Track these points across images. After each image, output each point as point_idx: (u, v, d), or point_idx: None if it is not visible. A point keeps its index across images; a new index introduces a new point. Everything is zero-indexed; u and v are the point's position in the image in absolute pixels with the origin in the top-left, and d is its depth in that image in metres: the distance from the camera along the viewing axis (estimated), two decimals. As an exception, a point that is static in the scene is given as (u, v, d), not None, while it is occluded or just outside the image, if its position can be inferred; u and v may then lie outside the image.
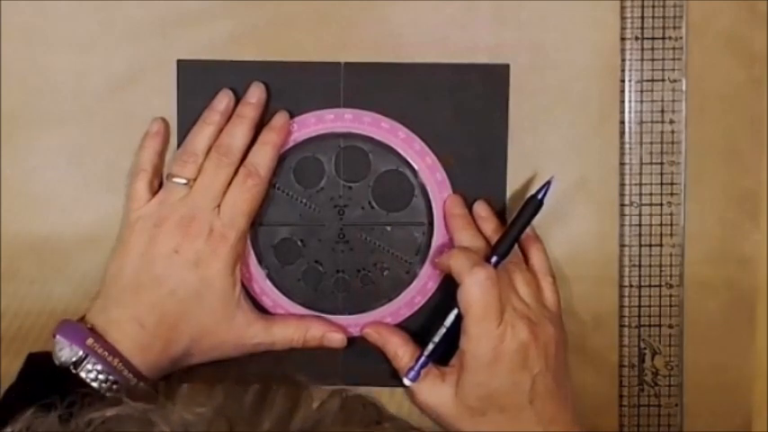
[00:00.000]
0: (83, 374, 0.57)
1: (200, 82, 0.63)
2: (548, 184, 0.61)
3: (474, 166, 0.64)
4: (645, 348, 0.65)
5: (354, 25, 0.64)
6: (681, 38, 0.64)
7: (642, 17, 0.64)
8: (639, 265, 0.64)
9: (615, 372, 0.65)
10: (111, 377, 0.57)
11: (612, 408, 0.65)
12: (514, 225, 0.61)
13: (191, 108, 0.63)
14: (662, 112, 0.64)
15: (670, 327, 0.65)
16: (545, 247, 0.63)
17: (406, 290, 0.64)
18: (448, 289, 0.62)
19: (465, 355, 0.59)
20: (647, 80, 0.64)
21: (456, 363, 0.60)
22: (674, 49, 0.64)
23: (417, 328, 0.64)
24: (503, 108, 0.64)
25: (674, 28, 0.64)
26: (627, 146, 0.64)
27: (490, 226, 0.63)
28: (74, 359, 0.57)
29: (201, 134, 0.62)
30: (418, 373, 0.61)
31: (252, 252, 0.64)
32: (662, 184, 0.64)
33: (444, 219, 0.64)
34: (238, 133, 0.61)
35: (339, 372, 0.64)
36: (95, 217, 0.64)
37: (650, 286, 0.65)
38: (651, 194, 0.64)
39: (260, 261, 0.64)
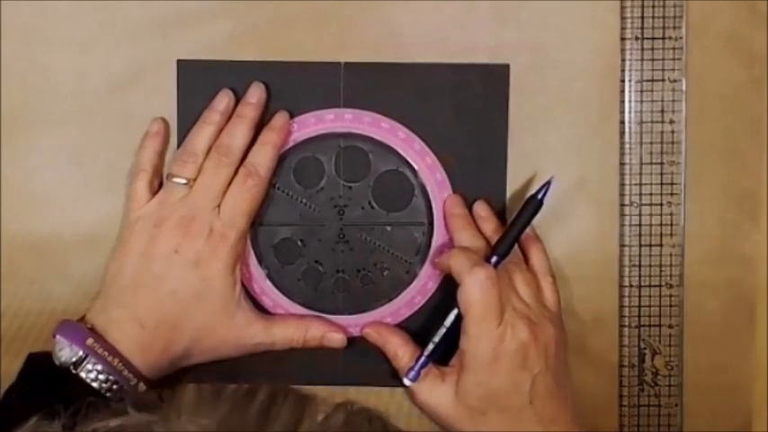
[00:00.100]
0: (83, 374, 0.57)
1: (200, 82, 0.63)
2: (548, 184, 0.61)
3: (474, 166, 0.64)
4: (645, 348, 0.65)
5: (354, 25, 0.64)
6: (681, 38, 0.64)
7: (642, 17, 0.64)
8: (639, 265, 0.64)
9: (615, 372, 0.65)
10: (111, 377, 0.57)
11: (612, 408, 0.65)
12: (514, 225, 0.61)
13: (191, 108, 0.63)
14: (662, 112, 0.64)
15: (670, 327, 0.65)
16: (545, 247, 0.63)
17: (406, 290, 0.64)
18: (448, 289, 0.62)
19: (465, 355, 0.59)
20: (647, 80, 0.64)
21: (456, 363, 0.60)
22: (674, 49, 0.64)
23: (417, 328, 0.64)
24: (503, 108, 0.64)
25: (674, 28, 0.64)
26: (627, 146, 0.64)
27: (490, 226, 0.63)
28: (74, 359, 0.57)
29: (201, 134, 0.62)
30: (418, 373, 0.61)
31: (252, 252, 0.64)
32: (662, 184, 0.64)
33: (444, 219, 0.64)
34: (238, 133, 0.61)
35: (339, 372, 0.65)
36: (95, 217, 0.64)
37: (650, 286, 0.65)
38: (651, 194, 0.64)
39: (260, 261, 0.64)
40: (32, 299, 0.64)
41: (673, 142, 0.64)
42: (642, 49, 0.64)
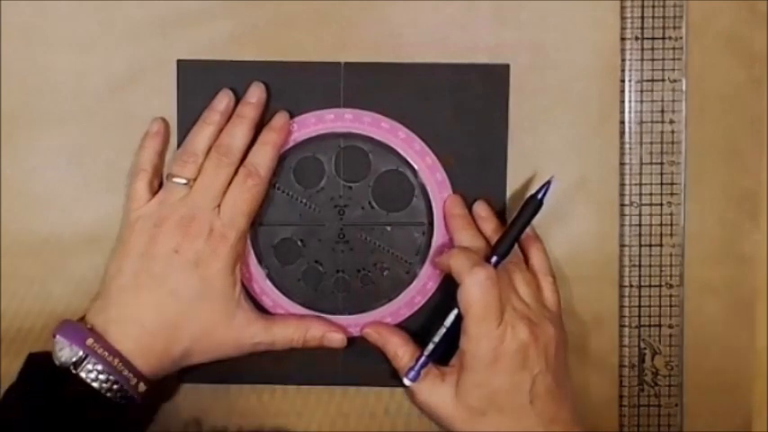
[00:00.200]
0: (83, 375, 0.57)
1: (200, 82, 0.63)
2: (548, 183, 0.61)
3: (474, 166, 0.64)
4: (645, 348, 0.65)
5: (354, 25, 0.64)
6: (681, 38, 0.64)
7: (642, 17, 0.64)
8: (639, 265, 0.64)
9: (615, 372, 0.65)
10: (111, 377, 0.57)
11: (612, 408, 0.65)
12: (514, 225, 0.61)
13: (191, 108, 0.63)
14: (662, 112, 0.64)
15: (670, 327, 0.65)
16: (545, 247, 0.63)
17: (406, 290, 0.64)
18: (448, 289, 0.62)
19: (465, 356, 0.59)
20: (647, 80, 0.64)
21: (456, 363, 0.60)
22: (674, 49, 0.64)
23: (417, 328, 0.64)
24: (503, 108, 0.64)
25: (674, 28, 0.64)
26: (627, 146, 0.64)
27: (490, 226, 0.63)
28: (74, 359, 0.57)
29: (201, 134, 0.62)
30: (418, 373, 0.61)
31: (252, 252, 0.64)
32: (662, 184, 0.64)
33: (444, 219, 0.64)
34: (238, 133, 0.61)
35: (339, 372, 0.65)
36: (95, 217, 0.64)
37: (650, 286, 0.65)
38: (651, 194, 0.64)
39: (260, 261, 0.64)
40: (32, 299, 0.64)
41: (673, 142, 0.64)
42: (642, 49, 0.64)
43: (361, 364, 0.64)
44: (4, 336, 0.64)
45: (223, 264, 0.60)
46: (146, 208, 0.61)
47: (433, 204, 0.64)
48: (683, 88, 0.64)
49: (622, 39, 0.64)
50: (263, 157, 0.62)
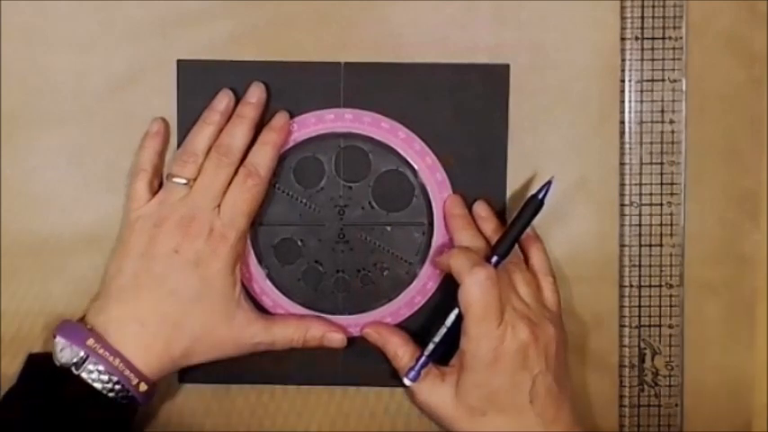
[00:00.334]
0: (84, 375, 0.57)
1: (200, 82, 0.63)
2: (548, 183, 0.61)
3: (474, 166, 0.64)
4: (645, 348, 0.65)
5: (354, 25, 0.64)
6: (681, 38, 0.64)
7: (642, 17, 0.64)
8: (639, 265, 0.64)
9: (615, 372, 0.65)
10: (112, 377, 0.57)
11: (612, 408, 0.65)
12: (514, 225, 0.61)
13: (191, 108, 0.63)
14: (662, 112, 0.64)
15: (670, 327, 0.65)
16: (545, 246, 0.63)
17: (406, 290, 0.64)
18: (448, 289, 0.62)
19: (465, 356, 0.59)
20: (647, 80, 0.64)
21: (456, 363, 0.60)
22: (674, 49, 0.64)
23: (417, 328, 0.64)
24: (503, 108, 0.64)
25: (674, 28, 0.64)
26: (627, 146, 0.64)
27: (490, 226, 0.63)
28: (75, 360, 0.57)
29: (201, 134, 0.62)
30: (418, 373, 0.61)
31: (252, 252, 0.64)
32: (662, 184, 0.64)
33: (444, 219, 0.64)
34: (238, 133, 0.61)
35: (339, 372, 0.65)
36: (95, 217, 0.64)
37: (650, 286, 0.65)
38: (651, 194, 0.64)
39: (260, 261, 0.64)
40: (32, 299, 0.64)
41: (673, 142, 0.64)
42: (642, 49, 0.64)
43: (361, 364, 0.64)
44: (4, 336, 0.64)
45: (223, 264, 0.60)
46: (146, 208, 0.61)
47: (433, 204, 0.64)
48: (683, 88, 0.64)
49: (622, 39, 0.64)
50: (263, 157, 0.61)
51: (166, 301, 0.59)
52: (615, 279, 0.65)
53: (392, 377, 0.63)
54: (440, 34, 0.64)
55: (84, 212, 0.64)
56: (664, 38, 0.64)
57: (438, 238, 0.64)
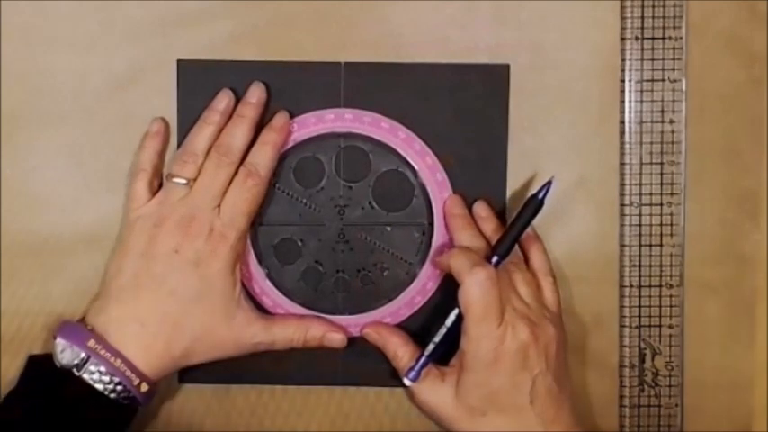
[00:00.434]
0: (85, 376, 0.57)
1: (200, 82, 0.63)
2: (548, 184, 0.61)
3: (474, 166, 0.64)
4: (645, 348, 0.65)
5: (354, 25, 0.64)
6: (681, 38, 0.64)
7: (642, 17, 0.64)
8: (639, 265, 0.64)
9: (615, 372, 0.65)
10: (114, 378, 0.57)
11: (612, 408, 0.65)
12: (515, 225, 0.61)
13: (191, 108, 0.63)
14: (662, 112, 0.64)
15: (670, 327, 0.65)
16: (545, 247, 0.63)
17: (406, 290, 0.64)
18: (448, 289, 0.62)
19: (465, 356, 0.59)
20: (647, 80, 0.64)
21: (456, 363, 0.60)
22: (674, 49, 0.64)
23: (417, 328, 0.64)
24: (503, 108, 0.64)
25: (674, 28, 0.64)
26: (627, 146, 0.64)
27: (490, 226, 0.63)
28: (75, 361, 0.57)
29: (201, 134, 0.62)
30: (418, 373, 0.61)
31: (252, 252, 0.64)
32: (662, 184, 0.64)
33: (444, 219, 0.64)
34: (238, 133, 0.61)
35: (339, 372, 0.65)
36: (95, 217, 0.64)
37: (650, 286, 0.65)
38: (651, 194, 0.64)
39: (260, 261, 0.64)
40: (32, 299, 0.64)
41: (673, 142, 0.64)
42: (642, 49, 0.64)
43: (361, 364, 0.64)
44: (4, 336, 0.64)
45: (223, 264, 0.60)
46: (146, 208, 0.61)
47: (433, 204, 0.64)
48: (683, 88, 0.64)
49: (622, 39, 0.64)
50: (263, 157, 0.61)
51: (166, 301, 0.59)
52: (615, 279, 0.65)
53: (392, 377, 0.63)
54: (440, 34, 0.64)
55: (84, 212, 0.64)
56: (664, 38, 0.64)
57: (438, 238, 0.64)
